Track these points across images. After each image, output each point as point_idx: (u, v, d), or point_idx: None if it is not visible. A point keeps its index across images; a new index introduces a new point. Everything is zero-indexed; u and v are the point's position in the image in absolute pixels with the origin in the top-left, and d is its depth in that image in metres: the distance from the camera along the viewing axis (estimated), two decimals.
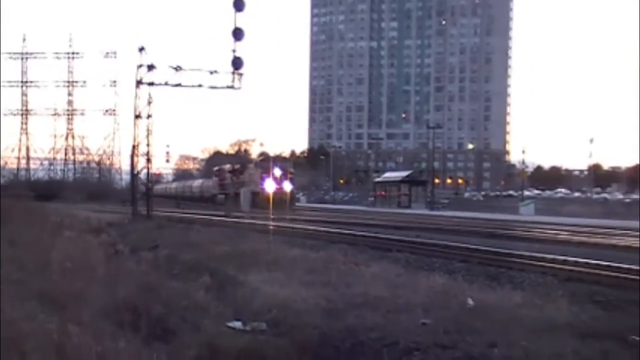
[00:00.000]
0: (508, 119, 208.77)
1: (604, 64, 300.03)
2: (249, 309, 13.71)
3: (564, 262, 19.96)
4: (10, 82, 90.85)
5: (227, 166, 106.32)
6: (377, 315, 12.41)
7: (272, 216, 56.87)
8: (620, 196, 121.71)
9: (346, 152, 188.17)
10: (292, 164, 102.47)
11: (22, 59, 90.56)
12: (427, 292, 14.33)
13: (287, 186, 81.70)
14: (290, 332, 11.85)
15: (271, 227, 38.63)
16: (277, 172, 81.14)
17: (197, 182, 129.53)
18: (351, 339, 11.28)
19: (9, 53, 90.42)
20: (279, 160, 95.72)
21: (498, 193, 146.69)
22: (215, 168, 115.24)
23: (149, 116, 52.56)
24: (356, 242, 27.78)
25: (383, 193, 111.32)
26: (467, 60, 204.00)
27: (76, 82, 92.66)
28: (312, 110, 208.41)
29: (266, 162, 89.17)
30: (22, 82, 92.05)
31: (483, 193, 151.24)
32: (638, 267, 17.71)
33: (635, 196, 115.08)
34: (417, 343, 10.64)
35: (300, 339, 11.36)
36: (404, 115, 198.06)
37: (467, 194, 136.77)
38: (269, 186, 72.43)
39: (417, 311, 12.55)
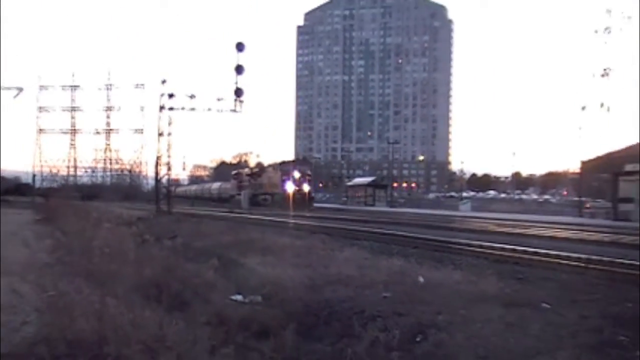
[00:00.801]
0: (450, 136, 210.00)
1: (525, 93, 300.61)
2: (248, 285, 13.66)
3: (493, 247, 20.00)
4: (63, 107, 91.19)
5: (246, 170, 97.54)
6: (348, 290, 12.39)
7: (266, 212, 56.86)
8: (535, 197, 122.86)
9: (324, 162, 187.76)
10: (310, 167, 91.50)
11: (71, 90, 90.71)
12: (387, 272, 14.31)
13: (306, 187, 73.95)
14: (280, 303, 11.80)
15: (264, 220, 38.67)
16: (297, 174, 73.22)
17: (215, 185, 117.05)
18: (328, 308, 11.24)
19: (62, 86, 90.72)
20: (298, 163, 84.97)
21: (443, 194, 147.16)
22: (234, 172, 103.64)
23: (169, 134, 53.30)
24: (332, 232, 27.48)
25: (357, 194, 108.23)
26: (418, 91, 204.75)
27: (113, 107, 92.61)
28: (297, 129, 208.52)
29: (287, 165, 79.26)
30: (71, 108, 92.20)
31: (433, 195, 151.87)
32: (545, 251, 18.03)
33: (546, 197, 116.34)
34: (380, 312, 10.62)
35: (288, 308, 11.31)
36: (369, 134, 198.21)
37: (431, 195, 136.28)
38: (290, 187, 69.63)
39: (379, 287, 12.54)
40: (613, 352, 7.49)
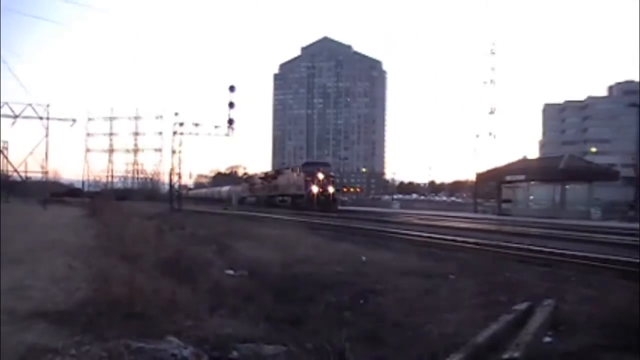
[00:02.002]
0: (385, 154, 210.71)
1: (439, 123, 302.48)
2: (238, 263, 13.65)
3: (415, 235, 20.08)
4: (104, 133, 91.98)
5: (258, 173, 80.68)
6: (310, 267, 12.41)
7: (250, 208, 56.66)
8: (445, 198, 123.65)
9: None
10: (332, 169, 67.89)
11: (110, 120, 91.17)
12: (339, 254, 14.35)
13: (331, 189, 54.61)
14: (261, 276, 11.83)
15: (250, 215, 38.49)
16: (321, 175, 54.42)
17: (225, 188, 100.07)
18: (295, 280, 11.28)
19: (104, 117, 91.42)
20: (321, 165, 61.10)
21: (379, 196, 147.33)
22: (245, 176, 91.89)
23: (179, 152, 53.55)
24: (298, 225, 27.31)
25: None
26: (362, 122, 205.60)
27: (139, 133, 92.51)
28: (273, 148, 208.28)
29: (311, 166, 58.81)
30: (110, 133, 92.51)
31: (372, 196, 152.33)
32: (452, 237, 18.12)
33: (452, 198, 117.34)
34: (334, 282, 10.68)
35: (266, 279, 11.34)
36: (326, 152, 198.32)
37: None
38: (315, 189, 52.60)
39: (333, 264, 12.58)
40: (496, 308, 7.62)
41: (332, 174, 59.85)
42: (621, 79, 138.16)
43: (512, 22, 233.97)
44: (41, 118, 60.04)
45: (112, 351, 5.50)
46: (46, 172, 64.68)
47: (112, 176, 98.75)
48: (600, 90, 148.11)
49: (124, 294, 7.62)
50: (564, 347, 5.98)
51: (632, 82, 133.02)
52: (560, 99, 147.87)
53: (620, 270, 10.60)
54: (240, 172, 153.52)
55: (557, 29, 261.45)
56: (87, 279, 9.19)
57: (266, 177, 70.80)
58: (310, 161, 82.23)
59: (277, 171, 71.43)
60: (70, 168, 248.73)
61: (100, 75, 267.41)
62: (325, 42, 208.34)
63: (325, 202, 51.73)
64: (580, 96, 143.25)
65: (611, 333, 6.27)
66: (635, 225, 27.18)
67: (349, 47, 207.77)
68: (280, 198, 60.77)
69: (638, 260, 11.44)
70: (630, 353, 5.65)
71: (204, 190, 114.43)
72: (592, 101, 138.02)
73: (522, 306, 7.25)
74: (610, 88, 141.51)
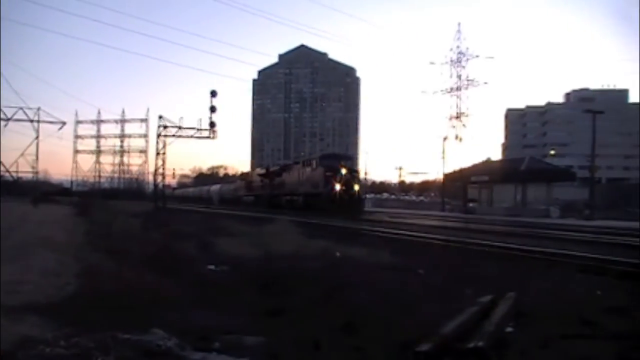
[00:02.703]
0: (359, 155, 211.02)
1: (408, 126, 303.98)
2: (219, 258, 13.62)
3: (386, 232, 20.18)
4: (92, 135, 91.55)
5: (258, 170, 66.35)
6: (288, 262, 12.42)
7: (229, 207, 56.40)
8: (414, 197, 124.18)
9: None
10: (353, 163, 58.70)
11: (98, 123, 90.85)
12: (317, 250, 14.38)
13: (356, 187, 41.95)
14: (241, 270, 11.81)
15: (230, 214, 38.40)
16: (344, 170, 41.49)
17: (215, 187, 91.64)
18: (274, 274, 11.29)
19: (92, 120, 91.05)
20: (342, 158, 47.03)
21: None
22: (241, 172, 79.34)
23: (163, 153, 53.52)
24: (278, 222, 27.21)
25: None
26: (336, 125, 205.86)
27: (125, 135, 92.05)
28: (252, 150, 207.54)
29: (330, 159, 44.99)
30: (97, 135, 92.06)
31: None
32: (422, 234, 18.20)
33: (421, 197, 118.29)
34: (310, 277, 10.71)
35: (247, 274, 11.33)
36: (302, 154, 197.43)
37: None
38: (338, 187, 40.09)
39: (310, 260, 12.60)
40: (463, 301, 7.68)
41: (356, 169, 48.45)
42: (577, 86, 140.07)
43: (478, 32, 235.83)
44: (32, 121, 59.46)
45: (100, 342, 5.49)
46: (37, 173, 64.12)
47: (99, 176, 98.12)
48: (558, 97, 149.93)
49: (112, 288, 7.59)
50: (525, 336, 6.07)
51: (587, 89, 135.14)
52: (521, 105, 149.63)
53: (577, 264, 10.73)
54: (222, 173, 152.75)
55: (519, 39, 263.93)
56: (76, 274, 9.13)
57: (268, 173, 57.16)
58: (328, 153, 64.26)
59: (283, 167, 56.77)
60: (60, 168, 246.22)
61: (88, 80, 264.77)
62: (302, 49, 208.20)
63: (349, 204, 38.81)
64: (540, 102, 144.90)
65: (568, 323, 6.39)
66: (591, 223, 27.57)
67: (324, 54, 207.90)
68: (288, 198, 48.36)
69: (592, 255, 11.61)
70: (583, 340, 5.75)
71: (190, 190, 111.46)
72: (551, 107, 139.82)
73: (486, 299, 7.32)
74: (568, 95, 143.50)
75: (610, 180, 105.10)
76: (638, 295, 8.36)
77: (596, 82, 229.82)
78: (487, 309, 6.82)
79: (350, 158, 53.35)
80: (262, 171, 61.07)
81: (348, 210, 36.44)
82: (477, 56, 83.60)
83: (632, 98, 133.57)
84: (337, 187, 39.55)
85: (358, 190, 41.28)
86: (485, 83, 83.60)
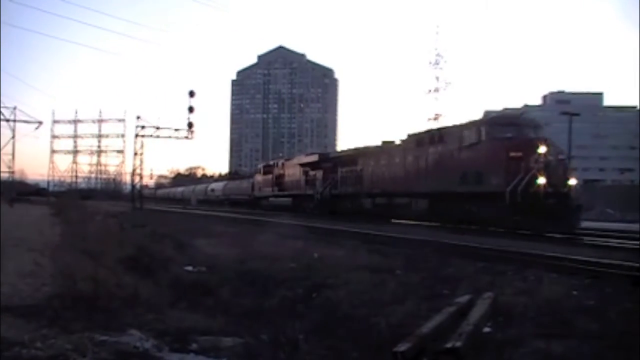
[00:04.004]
0: None
1: (384, 129, 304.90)
2: (196, 259, 13.60)
3: (361, 232, 19.93)
4: (69, 135, 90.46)
5: (300, 156, 46.74)
6: (265, 263, 12.42)
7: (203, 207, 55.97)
8: None
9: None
10: None
11: (75, 123, 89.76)
12: (293, 250, 14.35)
13: (572, 180, 20.78)
14: (218, 271, 11.81)
15: (206, 214, 38.20)
16: (542, 148, 20.08)
17: (215, 185, 76.05)
18: (251, 275, 11.29)
19: (69, 120, 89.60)
20: (531, 125, 22.95)
21: None
22: (264, 165, 51.78)
23: (141, 153, 53.02)
24: (255, 222, 27.10)
25: None
26: (315, 126, 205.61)
27: (102, 135, 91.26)
28: (231, 150, 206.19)
29: (514, 127, 22.29)
30: (74, 135, 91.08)
31: None
32: (400, 235, 18.13)
33: None
34: (287, 277, 10.73)
35: (224, 275, 11.33)
36: (281, 154, 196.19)
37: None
38: (542, 180, 19.50)
39: (287, 260, 12.60)
40: (440, 301, 7.74)
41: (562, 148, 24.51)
42: (554, 89, 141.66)
43: (456, 34, 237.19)
44: (8, 120, 58.77)
45: (77, 344, 5.46)
46: (13, 172, 63.33)
47: (76, 176, 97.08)
48: (535, 99, 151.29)
49: (88, 289, 7.55)
50: (502, 336, 6.12)
51: (563, 92, 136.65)
52: (499, 107, 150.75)
53: (550, 264, 10.81)
54: (199, 173, 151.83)
55: (496, 42, 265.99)
56: (52, 275, 9.05)
57: (335, 159, 37.00)
58: (503, 114, 40.10)
59: (322, 157, 38.90)
60: (36, 168, 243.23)
61: (65, 79, 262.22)
62: (281, 50, 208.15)
63: (556, 210, 19.67)
64: (517, 104, 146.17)
65: (543, 322, 6.47)
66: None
67: (302, 55, 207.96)
68: (403, 201, 27.67)
69: (563, 256, 11.67)
70: (557, 339, 5.82)
71: (173, 190, 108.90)
72: (528, 109, 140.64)
73: (464, 299, 7.38)
74: (544, 97, 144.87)
75: (587, 182, 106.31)
76: None
77: (572, 85, 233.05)
78: (465, 309, 6.89)
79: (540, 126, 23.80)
80: (313, 158, 39.75)
81: (556, 220, 19.52)
82: (456, 58, 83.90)
83: (607, 101, 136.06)
84: (541, 180, 19.69)
85: (572, 187, 20.85)
86: (464, 85, 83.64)
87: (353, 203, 32.37)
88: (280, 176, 44.56)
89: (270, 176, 46.90)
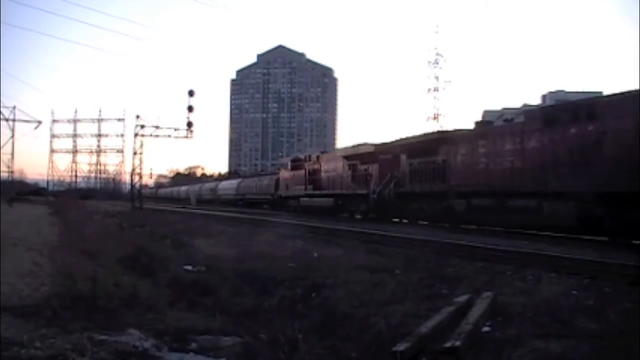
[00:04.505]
0: None
1: (384, 127, 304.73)
2: (196, 259, 13.59)
3: (361, 232, 19.88)
4: (68, 134, 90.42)
5: (347, 148, 35.63)
6: (265, 262, 12.43)
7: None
8: None
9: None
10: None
11: (74, 122, 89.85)
12: (292, 250, 14.38)
13: None
14: (218, 271, 11.80)
15: (206, 213, 38.04)
16: None
17: (227, 183, 69.34)
18: (251, 274, 11.29)
19: (68, 119, 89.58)
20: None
21: None
22: (292, 158, 45.66)
23: (140, 153, 52.79)
24: (255, 222, 27.01)
25: None
26: (314, 126, 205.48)
27: (102, 134, 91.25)
28: (230, 150, 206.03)
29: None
30: (74, 134, 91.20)
31: None
32: (397, 234, 18.02)
33: None
34: (287, 277, 10.72)
35: (223, 274, 11.33)
36: (280, 154, 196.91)
37: None
38: None
39: (287, 260, 12.60)
40: (439, 300, 7.74)
41: None
42: (553, 88, 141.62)
43: (456, 34, 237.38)
44: (7, 120, 58.69)
45: (76, 343, 5.45)
46: (12, 172, 63.23)
47: (76, 176, 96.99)
48: (535, 98, 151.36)
49: (88, 289, 7.55)
50: (501, 335, 6.12)
51: (562, 91, 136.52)
52: (498, 106, 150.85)
53: (551, 263, 10.79)
54: (199, 173, 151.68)
55: (496, 41, 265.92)
56: (51, 275, 9.05)
57: (386, 149, 29.86)
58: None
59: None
60: (35, 167, 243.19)
61: (64, 78, 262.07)
62: (280, 50, 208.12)
63: None
64: (517, 103, 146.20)
65: (542, 322, 6.47)
66: None
67: (302, 55, 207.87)
68: (524, 203, 19.27)
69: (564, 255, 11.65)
70: (557, 339, 5.82)
71: (177, 189, 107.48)
72: (527, 108, 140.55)
73: (463, 298, 7.38)
74: (544, 97, 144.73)
75: None
76: None
77: (571, 84, 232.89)
78: (464, 309, 6.89)
79: None
80: (367, 149, 31.46)
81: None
82: (456, 57, 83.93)
83: None
84: None
85: None
86: (463, 84, 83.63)
87: (431, 205, 24.33)
88: (315, 172, 37.24)
89: (301, 172, 39.20)
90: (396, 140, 29.02)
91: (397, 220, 27.57)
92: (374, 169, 29.73)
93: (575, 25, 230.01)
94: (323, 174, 36.14)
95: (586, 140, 16.97)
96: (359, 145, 33.50)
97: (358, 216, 31.32)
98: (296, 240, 17.00)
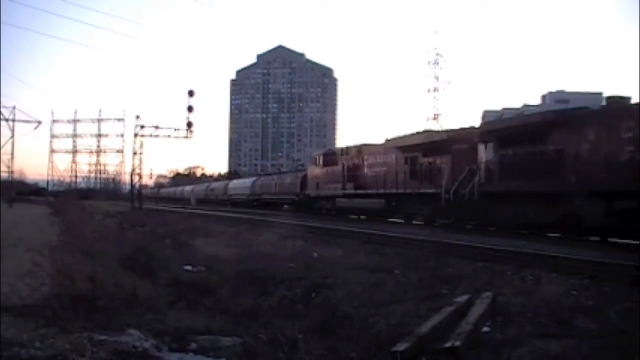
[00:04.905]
0: None
1: (383, 128, 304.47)
2: (195, 259, 13.60)
3: (359, 232, 19.82)
4: (67, 134, 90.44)
5: (404, 138, 27.67)
6: (265, 262, 12.42)
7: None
8: None
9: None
10: None
11: (74, 122, 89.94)
12: (292, 250, 14.36)
13: None
14: (218, 271, 11.80)
15: (205, 213, 37.99)
16: None
17: (238, 182, 64.77)
18: (250, 275, 11.28)
19: (68, 120, 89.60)
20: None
21: None
22: (319, 154, 37.78)
23: (140, 153, 52.76)
24: (254, 222, 26.92)
25: None
26: (314, 126, 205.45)
27: (102, 134, 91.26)
28: (230, 150, 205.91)
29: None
30: (73, 135, 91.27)
31: None
32: (396, 235, 17.97)
33: None
34: (286, 277, 10.72)
35: (223, 275, 11.33)
36: (280, 154, 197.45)
37: None
38: None
39: (286, 260, 12.59)
40: (439, 300, 7.73)
41: None
42: (553, 88, 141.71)
43: (455, 34, 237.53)
44: (7, 120, 58.67)
45: (76, 343, 5.45)
46: (12, 172, 63.20)
47: (75, 176, 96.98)
48: (535, 99, 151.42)
49: (87, 289, 7.55)
50: (501, 335, 6.12)
51: (562, 91, 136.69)
52: (498, 106, 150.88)
53: (551, 263, 10.78)
54: (199, 173, 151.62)
55: (496, 41, 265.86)
56: (51, 274, 9.05)
57: (462, 136, 23.38)
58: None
59: (447, 136, 24.60)
60: (35, 168, 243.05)
61: (64, 78, 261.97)
62: (280, 50, 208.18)
63: None
64: (517, 104, 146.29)
65: (542, 322, 6.47)
66: None
67: (302, 55, 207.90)
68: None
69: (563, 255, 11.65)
70: (557, 339, 5.81)
71: (180, 189, 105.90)
72: (527, 108, 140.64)
73: (463, 298, 7.37)
74: (544, 97, 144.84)
75: None
76: None
77: (571, 84, 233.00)
78: (464, 309, 6.89)
79: None
80: (437, 136, 25.85)
81: None
82: (456, 57, 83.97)
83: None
84: None
85: None
86: (463, 84, 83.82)
87: (541, 210, 17.75)
88: (356, 167, 31.37)
89: (337, 168, 33.24)
90: (480, 126, 23.59)
91: (471, 226, 21.31)
92: (444, 161, 23.57)
93: (575, 25, 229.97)
94: (367, 170, 30.10)
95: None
96: (421, 133, 27.87)
97: (417, 221, 25.26)
98: (296, 240, 16.96)
